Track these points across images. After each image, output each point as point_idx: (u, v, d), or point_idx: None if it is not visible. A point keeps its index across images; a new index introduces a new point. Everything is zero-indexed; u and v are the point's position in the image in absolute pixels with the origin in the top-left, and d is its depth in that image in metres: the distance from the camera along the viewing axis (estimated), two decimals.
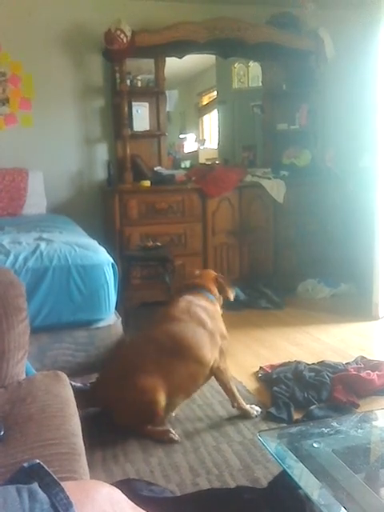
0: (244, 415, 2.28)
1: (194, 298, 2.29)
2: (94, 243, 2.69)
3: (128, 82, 4.13)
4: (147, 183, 4.05)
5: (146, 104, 4.34)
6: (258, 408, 2.32)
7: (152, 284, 3.78)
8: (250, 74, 4.90)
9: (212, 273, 2.51)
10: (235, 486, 1.76)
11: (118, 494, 0.77)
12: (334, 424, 1.53)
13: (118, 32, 3.76)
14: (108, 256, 2.54)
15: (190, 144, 5.08)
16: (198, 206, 4.08)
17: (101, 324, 2.48)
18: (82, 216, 4.03)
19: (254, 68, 4.81)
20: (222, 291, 2.42)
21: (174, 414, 2.27)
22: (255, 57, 4.66)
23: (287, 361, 2.81)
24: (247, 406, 2.30)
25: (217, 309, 2.36)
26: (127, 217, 3.93)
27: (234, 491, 1.71)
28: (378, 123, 3.55)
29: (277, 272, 4.33)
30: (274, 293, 4.04)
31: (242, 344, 3.23)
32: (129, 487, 1.63)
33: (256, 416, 2.28)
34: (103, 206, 4.38)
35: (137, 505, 0.79)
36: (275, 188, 4.18)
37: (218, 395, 2.52)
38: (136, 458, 2.00)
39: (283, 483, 1.50)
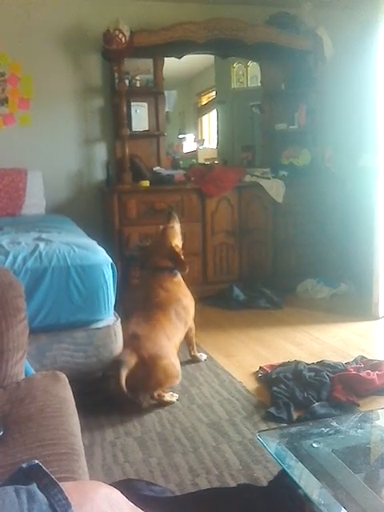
0: (194, 360, 2.96)
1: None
2: (93, 243, 2.69)
3: (127, 82, 4.13)
4: (146, 183, 4.05)
5: (145, 104, 4.34)
6: (204, 355, 2.99)
7: None
8: (248, 74, 4.90)
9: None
10: (236, 485, 1.76)
11: (117, 495, 0.76)
12: (334, 424, 1.52)
13: (117, 32, 3.76)
14: (107, 256, 2.54)
15: (189, 144, 5.08)
16: (197, 206, 4.08)
17: (100, 324, 2.47)
18: (81, 216, 4.03)
19: (253, 68, 4.81)
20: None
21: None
22: (254, 57, 4.66)
23: (287, 361, 2.81)
24: (197, 354, 2.97)
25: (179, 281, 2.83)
26: (126, 217, 3.92)
27: (234, 490, 1.71)
28: (378, 122, 3.55)
29: (276, 272, 4.33)
30: (273, 293, 4.03)
31: (242, 344, 3.23)
32: (129, 487, 1.62)
33: (204, 360, 2.96)
34: (102, 206, 4.38)
35: (137, 505, 0.79)
36: (274, 188, 4.18)
37: (217, 395, 2.52)
38: (135, 459, 2.00)
39: (283, 483, 1.50)
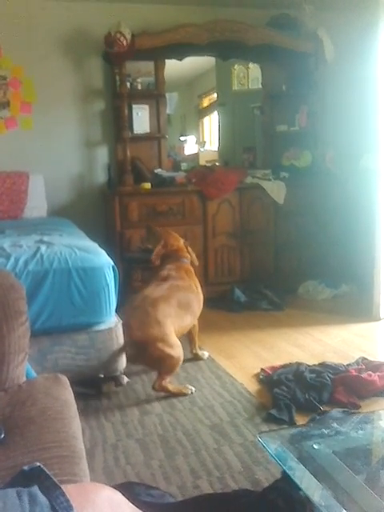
0: (196, 358, 2.99)
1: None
2: (95, 246, 2.69)
3: (128, 84, 4.14)
4: (147, 185, 4.05)
5: (146, 106, 4.35)
6: (206, 353, 3.04)
7: None
8: (249, 75, 4.91)
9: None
10: (232, 490, 1.76)
11: (118, 497, 0.77)
12: (335, 425, 1.53)
13: (118, 35, 3.77)
14: (108, 258, 2.54)
15: (190, 146, 5.09)
16: (199, 207, 4.09)
17: (101, 327, 2.48)
18: (83, 219, 4.04)
19: (254, 70, 4.82)
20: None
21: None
22: (255, 59, 4.66)
23: (288, 362, 2.81)
24: (199, 352, 3.01)
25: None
26: (128, 219, 3.93)
27: (231, 496, 1.71)
28: (379, 124, 3.55)
29: (277, 273, 4.33)
30: (274, 294, 4.04)
31: (243, 345, 3.23)
32: (127, 492, 1.62)
33: (206, 358, 3.00)
34: (104, 209, 4.39)
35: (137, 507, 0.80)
36: (275, 189, 4.19)
37: (218, 397, 2.52)
38: (137, 461, 2.00)
39: (278, 488, 1.50)
